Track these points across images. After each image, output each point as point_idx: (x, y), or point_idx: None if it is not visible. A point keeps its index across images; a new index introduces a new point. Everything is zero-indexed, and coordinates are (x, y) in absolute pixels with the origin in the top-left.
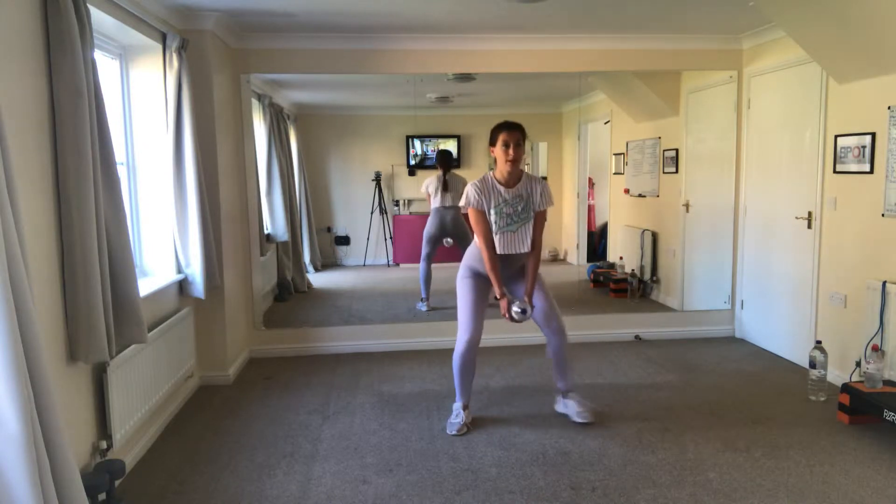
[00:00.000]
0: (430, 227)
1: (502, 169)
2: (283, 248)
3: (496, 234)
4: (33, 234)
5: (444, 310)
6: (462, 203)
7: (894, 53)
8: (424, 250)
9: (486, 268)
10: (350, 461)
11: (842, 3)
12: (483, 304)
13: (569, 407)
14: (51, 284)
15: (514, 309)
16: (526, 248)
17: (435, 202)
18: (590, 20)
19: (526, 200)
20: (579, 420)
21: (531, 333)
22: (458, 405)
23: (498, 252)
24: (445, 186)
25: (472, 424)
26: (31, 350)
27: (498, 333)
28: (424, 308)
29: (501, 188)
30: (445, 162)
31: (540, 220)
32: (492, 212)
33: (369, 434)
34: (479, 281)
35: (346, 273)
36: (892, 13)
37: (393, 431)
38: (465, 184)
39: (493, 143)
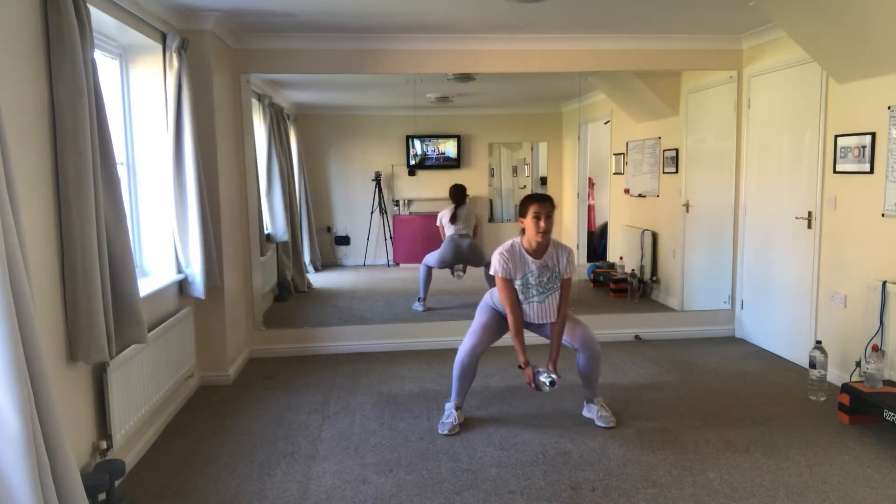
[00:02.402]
0: (444, 253)
1: (532, 240)
2: (283, 248)
3: (524, 303)
4: (33, 234)
5: (441, 310)
6: (490, 271)
7: (894, 53)
8: (429, 262)
9: (511, 333)
10: (350, 461)
11: (842, 3)
12: (497, 332)
13: (592, 411)
14: (51, 284)
15: (541, 379)
16: (552, 317)
17: (449, 231)
18: (590, 20)
19: (552, 271)
20: (601, 424)
21: (530, 334)
22: (450, 405)
23: (528, 321)
24: (454, 219)
25: (472, 424)
26: (31, 350)
27: None
28: (421, 308)
29: (529, 258)
30: (458, 197)
31: (566, 287)
32: (518, 281)
33: (369, 434)
34: (499, 317)
35: (346, 273)
36: (891, 13)
37: (393, 431)
38: (476, 217)
39: (523, 214)
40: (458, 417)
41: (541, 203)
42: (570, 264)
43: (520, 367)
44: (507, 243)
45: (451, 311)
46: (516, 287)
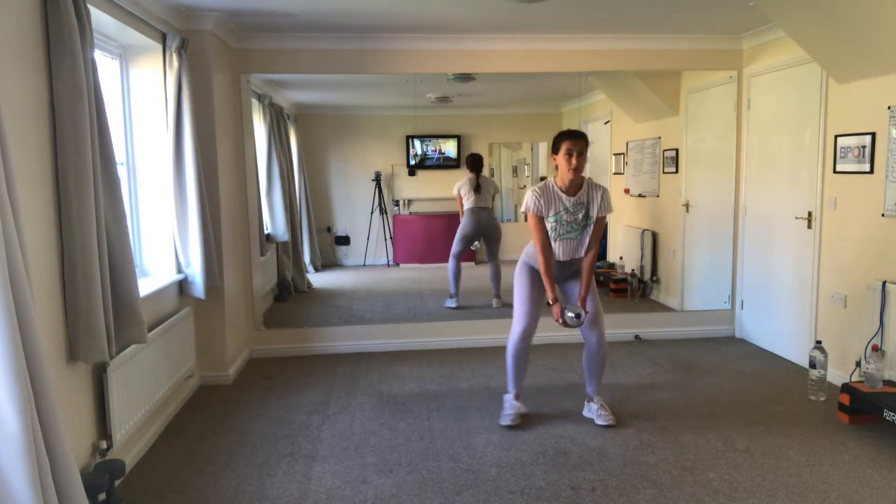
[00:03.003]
0: (465, 227)
1: (564, 177)
2: (283, 248)
3: (555, 240)
4: (33, 234)
5: (471, 308)
6: (522, 208)
7: (894, 53)
8: (455, 248)
9: (541, 271)
10: (350, 461)
11: (842, 3)
12: (539, 298)
13: (591, 411)
14: (51, 284)
15: (569, 314)
16: (583, 253)
17: (468, 203)
18: (590, 20)
19: (586, 207)
20: (601, 423)
21: (539, 335)
22: (509, 396)
23: (556, 258)
24: (478, 188)
25: (472, 424)
26: (31, 350)
27: (498, 334)
28: (454, 304)
29: (563, 195)
30: (477, 165)
31: (598, 225)
32: (551, 218)
33: (369, 434)
34: (535, 275)
35: (346, 273)
36: (892, 13)
37: (393, 431)
38: (495, 185)
39: (555, 150)
40: (520, 407)
41: (574, 140)
42: (605, 202)
43: (548, 303)
44: (541, 182)
45: (453, 311)
46: (549, 224)
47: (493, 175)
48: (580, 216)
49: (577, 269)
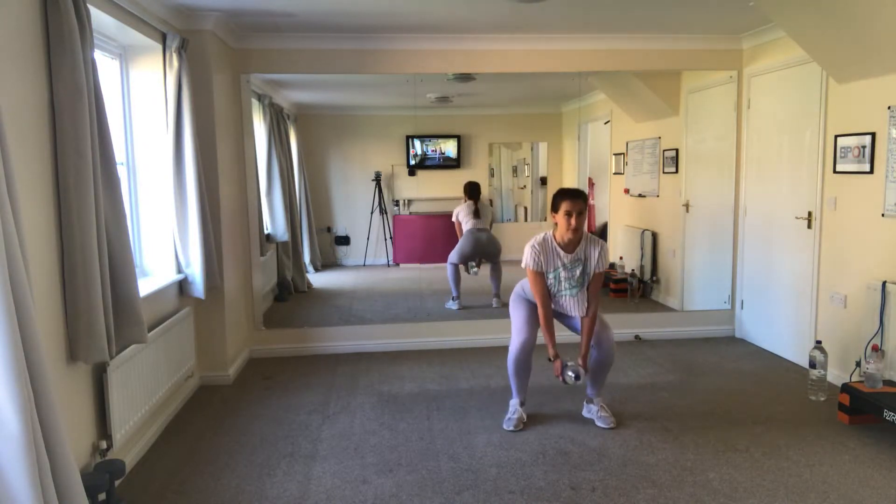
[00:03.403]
0: (463, 247)
1: (563, 235)
2: (283, 248)
3: (553, 297)
4: (33, 234)
5: (471, 308)
6: (522, 264)
7: (894, 53)
8: (453, 258)
9: (541, 326)
10: (350, 461)
11: (842, 3)
12: (536, 318)
13: (592, 412)
14: (51, 284)
15: (569, 374)
16: (582, 311)
17: (467, 225)
18: (590, 20)
19: (584, 264)
20: (601, 425)
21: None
22: (514, 402)
23: (556, 310)
24: (477, 214)
25: (472, 424)
26: (31, 350)
27: (498, 334)
28: (455, 307)
29: (561, 252)
30: (475, 193)
31: (596, 280)
32: (550, 275)
33: (369, 434)
34: (533, 304)
35: (346, 273)
36: (891, 13)
37: (393, 431)
38: (493, 212)
39: (554, 209)
40: (523, 413)
41: (573, 201)
42: (602, 258)
43: (549, 359)
44: (540, 236)
45: (453, 312)
46: (548, 280)
47: (492, 175)
48: (577, 272)
49: (577, 328)
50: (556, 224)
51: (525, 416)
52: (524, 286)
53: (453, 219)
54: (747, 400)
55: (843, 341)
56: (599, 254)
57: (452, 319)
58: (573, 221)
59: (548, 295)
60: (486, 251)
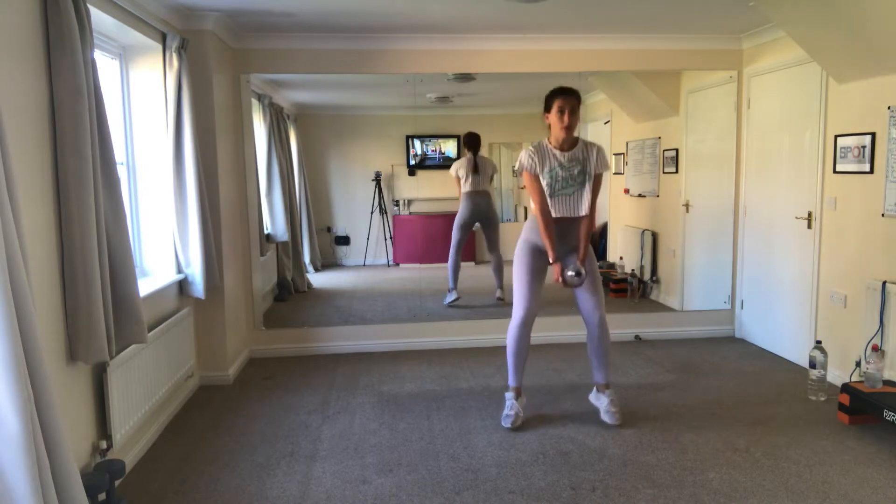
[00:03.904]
0: (462, 213)
1: (557, 135)
2: (283, 248)
3: (551, 197)
4: (33, 233)
5: (471, 308)
6: (516, 167)
7: (894, 53)
8: (455, 237)
9: (541, 232)
10: (350, 461)
11: (841, 3)
12: (539, 281)
13: (601, 402)
14: (51, 284)
15: (569, 272)
16: (582, 211)
17: (466, 186)
18: (590, 20)
19: (582, 163)
20: (607, 419)
21: (532, 334)
22: (510, 395)
23: (553, 216)
24: (476, 168)
25: (472, 424)
26: (31, 350)
27: (498, 334)
28: (453, 298)
29: (556, 152)
30: (474, 144)
31: (595, 183)
32: (546, 175)
33: (369, 434)
34: (536, 256)
35: (346, 273)
36: (891, 13)
37: (393, 431)
38: (494, 167)
39: (547, 109)
40: (521, 407)
41: (566, 97)
42: (601, 159)
43: (549, 263)
44: (536, 142)
45: (454, 311)
46: (544, 182)
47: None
48: (576, 171)
49: (576, 241)
50: (549, 126)
51: (522, 411)
52: (528, 227)
53: (452, 173)
54: (747, 400)
55: (843, 341)
56: (598, 154)
57: (452, 319)
58: (566, 119)
59: (545, 200)
60: (484, 217)
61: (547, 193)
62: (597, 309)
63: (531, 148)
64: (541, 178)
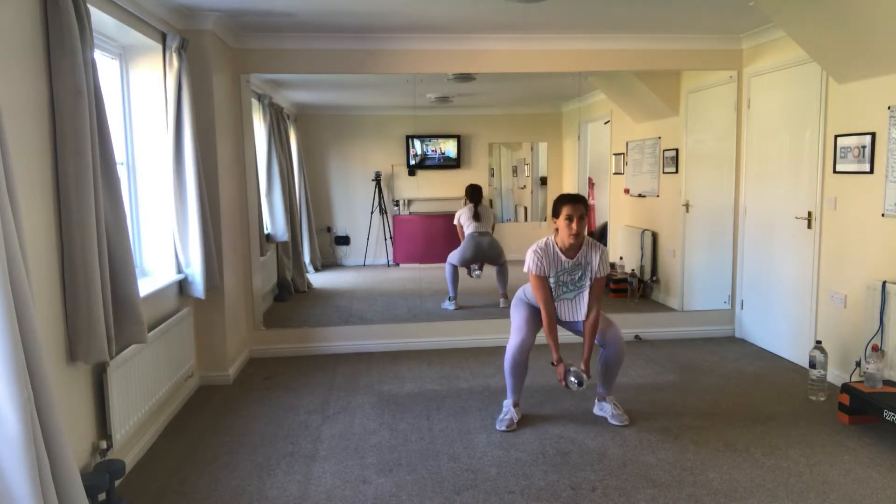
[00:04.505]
0: (465, 251)
1: (564, 240)
2: (283, 248)
3: (555, 300)
4: (33, 234)
5: (471, 308)
6: (524, 269)
7: (894, 53)
8: (453, 260)
9: (545, 329)
10: (350, 461)
11: (841, 3)
12: (537, 322)
13: (605, 410)
14: (51, 284)
15: (571, 379)
16: (581, 315)
17: (469, 229)
18: (590, 20)
19: (584, 269)
20: (615, 422)
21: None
22: (508, 402)
23: (558, 318)
24: (478, 217)
25: (472, 424)
26: (31, 350)
27: (498, 334)
28: (452, 307)
29: (563, 257)
30: (476, 196)
31: (597, 285)
32: (552, 279)
33: (369, 434)
34: (534, 309)
35: (346, 273)
36: (891, 13)
37: (393, 431)
38: (494, 215)
39: (555, 214)
40: (517, 414)
41: (574, 205)
42: (603, 263)
43: (552, 363)
44: (542, 241)
45: (454, 312)
46: (550, 283)
47: (492, 175)
48: (577, 276)
49: (580, 331)
50: (556, 229)
51: (517, 417)
52: (526, 291)
53: (455, 222)
54: (747, 400)
55: (843, 341)
56: (600, 259)
57: (452, 319)
58: (574, 226)
59: (551, 299)
60: (486, 255)
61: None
62: (616, 339)
63: (539, 250)
64: (548, 280)
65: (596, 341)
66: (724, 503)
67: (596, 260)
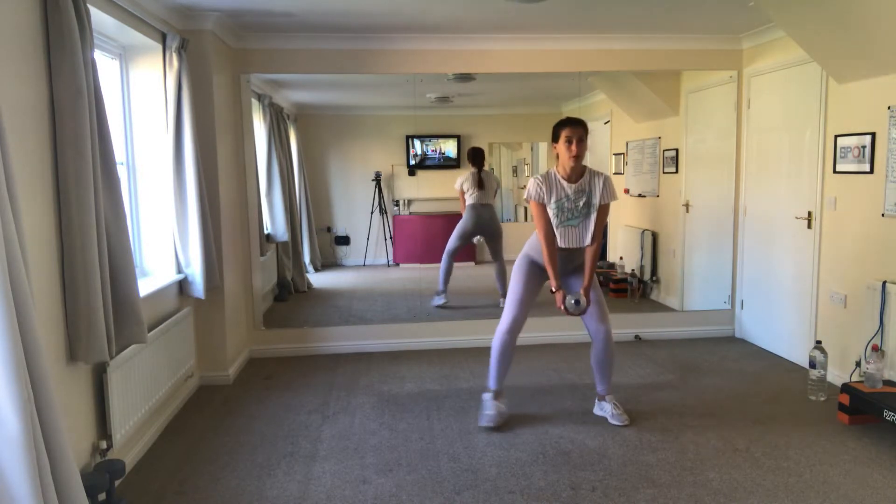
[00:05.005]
0: (465, 223)
1: (565, 164)
2: (283, 248)
3: (557, 227)
4: (33, 234)
5: (450, 310)
6: (525, 196)
7: (894, 53)
8: (452, 245)
9: (544, 260)
10: (350, 461)
11: (841, 3)
12: (533, 293)
13: (605, 409)
14: (51, 284)
15: (570, 301)
16: (587, 241)
17: (470, 199)
18: (590, 20)
19: (588, 195)
20: (615, 422)
21: (532, 334)
22: (487, 395)
23: (559, 245)
24: (481, 184)
25: (472, 424)
26: (31, 350)
27: None
28: (441, 302)
29: (564, 183)
30: (478, 159)
31: (602, 214)
32: (553, 206)
33: (369, 434)
34: (535, 269)
35: (346, 273)
36: (891, 13)
37: (393, 431)
38: (497, 181)
39: (555, 139)
40: (500, 407)
41: (573, 127)
42: (608, 189)
43: (551, 291)
44: (544, 171)
45: (453, 312)
46: (551, 211)
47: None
48: (581, 203)
49: (580, 262)
50: (557, 156)
51: (504, 410)
52: (530, 244)
53: (456, 187)
54: (747, 400)
55: (843, 341)
56: (604, 184)
57: (452, 319)
58: (574, 148)
59: (551, 229)
60: (486, 229)
61: (553, 224)
62: (602, 322)
63: (539, 177)
64: (548, 207)
65: (590, 327)
66: (724, 503)
67: (599, 186)
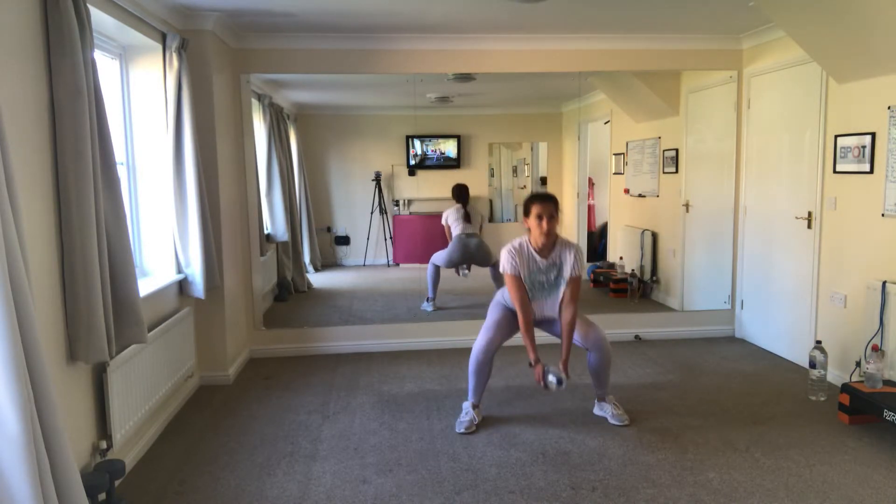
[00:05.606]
0: (452, 253)
1: (537, 240)
2: (283, 248)
3: (531, 300)
4: (33, 234)
5: (443, 310)
6: (500, 269)
7: (894, 53)
8: (438, 260)
9: (521, 330)
10: (350, 461)
11: (842, 3)
12: (511, 323)
13: (605, 410)
14: (51, 284)
15: (550, 378)
16: (556, 309)
17: (456, 230)
18: (590, 20)
19: (559, 267)
20: (615, 423)
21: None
22: (467, 404)
23: (535, 318)
24: (467, 217)
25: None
26: (31, 350)
27: None
28: (430, 308)
29: (537, 256)
30: (463, 196)
31: (573, 285)
32: (526, 279)
33: (369, 434)
34: (510, 313)
35: (346, 273)
36: (891, 13)
37: (393, 431)
38: (482, 216)
39: (526, 213)
40: (476, 416)
41: (543, 204)
42: (578, 262)
43: (530, 364)
44: (517, 241)
45: (453, 312)
46: (525, 284)
47: (492, 175)
48: (552, 276)
49: (553, 317)
50: (528, 229)
51: (478, 419)
52: (504, 293)
53: (443, 222)
54: (747, 400)
55: (843, 341)
56: (574, 257)
57: (452, 320)
58: (544, 225)
59: (527, 299)
60: (474, 257)
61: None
62: (589, 335)
63: (513, 250)
64: (523, 280)
65: (579, 344)
66: (724, 503)
67: (570, 259)
